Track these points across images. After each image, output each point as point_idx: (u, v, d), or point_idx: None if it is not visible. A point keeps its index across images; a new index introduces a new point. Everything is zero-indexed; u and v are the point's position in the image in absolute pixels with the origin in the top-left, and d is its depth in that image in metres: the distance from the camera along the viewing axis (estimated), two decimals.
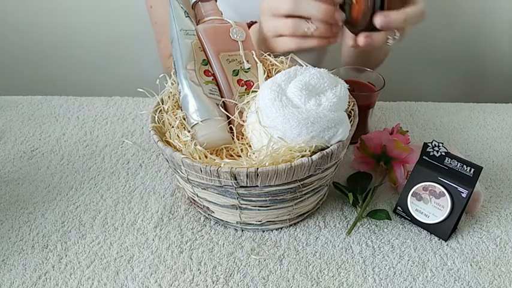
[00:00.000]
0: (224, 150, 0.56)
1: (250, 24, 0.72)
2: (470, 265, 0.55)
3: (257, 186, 0.53)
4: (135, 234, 0.60)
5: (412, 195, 0.59)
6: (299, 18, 0.60)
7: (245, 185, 0.52)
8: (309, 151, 0.53)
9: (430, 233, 0.59)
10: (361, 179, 0.66)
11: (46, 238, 0.59)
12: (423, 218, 0.59)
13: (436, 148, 0.59)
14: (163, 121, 0.59)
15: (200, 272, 0.55)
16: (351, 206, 0.63)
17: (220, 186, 0.53)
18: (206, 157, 0.54)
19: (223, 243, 0.58)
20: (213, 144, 0.56)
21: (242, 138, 0.58)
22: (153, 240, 0.59)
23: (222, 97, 0.59)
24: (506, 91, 1.51)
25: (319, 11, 0.58)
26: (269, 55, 0.65)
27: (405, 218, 0.61)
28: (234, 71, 0.60)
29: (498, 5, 1.38)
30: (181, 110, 0.59)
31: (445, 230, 0.58)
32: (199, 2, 0.63)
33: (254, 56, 0.62)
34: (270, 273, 0.55)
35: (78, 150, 0.75)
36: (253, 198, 0.55)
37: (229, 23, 0.62)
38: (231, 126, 0.57)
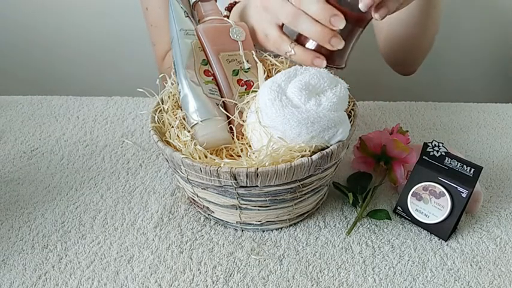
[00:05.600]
0: (224, 150, 0.56)
1: (232, 5, 0.70)
2: (470, 265, 0.55)
3: (257, 186, 0.53)
4: (135, 234, 0.60)
5: (412, 195, 0.59)
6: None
7: (245, 185, 0.52)
8: (309, 151, 0.53)
9: (430, 233, 0.59)
10: (361, 179, 0.66)
11: (46, 238, 0.59)
12: (423, 218, 0.58)
13: (436, 148, 0.59)
14: (163, 121, 0.59)
15: (200, 272, 0.55)
16: (351, 206, 0.63)
17: (220, 186, 0.53)
18: (206, 157, 0.54)
19: (223, 243, 0.58)
20: (213, 144, 0.56)
21: (242, 138, 0.58)
22: (153, 240, 0.59)
23: (222, 97, 0.59)
24: (506, 91, 1.51)
25: (316, 32, 0.55)
26: (269, 55, 0.65)
27: (405, 218, 0.61)
28: (234, 70, 0.60)
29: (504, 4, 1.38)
30: (181, 110, 0.59)
31: (445, 230, 0.58)
32: (199, 2, 0.63)
33: (254, 56, 0.62)
34: (270, 273, 0.55)
35: (78, 150, 0.75)
36: (253, 198, 0.55)
37: (229, 23, 0.62)
38: (231, 126, 0.57)
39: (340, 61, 0.60)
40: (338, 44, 0.56)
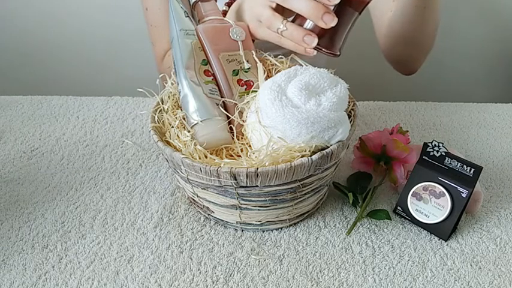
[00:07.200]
0: (224, 150, 0.56)
1: (232, 1, 0.70)
2: (470, 265, 0.55)
3: (257, 186, 0.53)
4: (135, 234, 0.60)
5: (412, 195, 0.59)
6: (285, 11, 0.57)
7: (245, 185, 0.52)
8: (309, 151, 0.53)
9: (430, 233, 0.59)
10: (361, 179, 0.66)
11: (46, 238, 0.59)
12: (423, 218, 0.59)
13: (436, 148, 0.59)
14: (163, 121, 0.59)
15: (200, 272, 0.55)
16: (351, 206, 0.63)
17: (220, 186, 0.53)
18: (206, 157, 0.54)
19: (223, 243, 0.58)
20: (213, 144, 0.56)
21: (242, 138, 0.58)
22: (153, 240, 0.59)
23: (222, 97, 0.59)
24: (506, 91, 1.51)
25: (308, 8, 0.54)
26: (269, 55, 0.65)
27: (405, 218, 0.61)
28: (234, 71, 0.60)
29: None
30: (181, 110, 0.59)
31: (445, 230, 0.58)
32: (199, 2, 0.63)
33: (254, 56, 0.62)
34: (270, 273, 0.55)
35: (78, 150, 0.75)
36: (253, 198, 0.55)
37: (229, 23, 0.62)
38: (231, 126, 0.57)
39: (333, 46, 0.58)
40: (331, 21, 0.54)
